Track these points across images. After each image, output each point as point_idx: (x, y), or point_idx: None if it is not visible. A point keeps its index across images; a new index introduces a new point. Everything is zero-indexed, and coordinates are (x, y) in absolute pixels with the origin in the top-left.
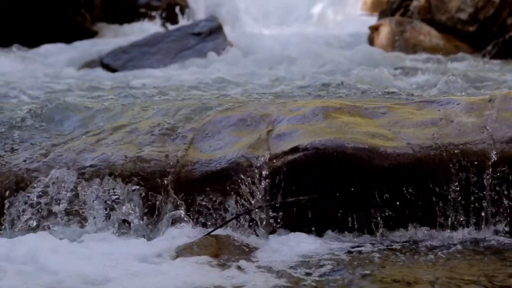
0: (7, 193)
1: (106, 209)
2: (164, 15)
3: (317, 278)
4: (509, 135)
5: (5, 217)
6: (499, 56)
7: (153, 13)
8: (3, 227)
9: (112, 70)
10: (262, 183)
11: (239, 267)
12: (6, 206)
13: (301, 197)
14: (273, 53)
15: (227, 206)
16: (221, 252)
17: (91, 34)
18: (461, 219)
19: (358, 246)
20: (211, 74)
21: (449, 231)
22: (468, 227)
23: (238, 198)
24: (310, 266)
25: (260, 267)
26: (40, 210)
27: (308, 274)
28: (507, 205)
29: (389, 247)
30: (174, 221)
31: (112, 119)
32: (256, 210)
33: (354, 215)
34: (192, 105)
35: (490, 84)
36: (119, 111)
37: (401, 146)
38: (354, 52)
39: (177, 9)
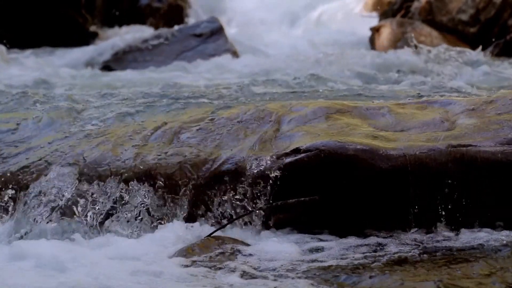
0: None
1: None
2: (165, 16)
3: (318, 279)
4: (510, 137)
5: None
6: (501, 57)
7: (154, 15)
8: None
9: (114, 71)
10: (263, 184)
11: (239, 268)
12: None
13: (302, 198)
14: (274, 54)
15: (228, 207)
16: (222, 253)
17: (92, 35)
18: (462, 220)
19: (359, 247)
20: (212, 75)
21: (453, 231)
22: (469, 228)
23: (239, 199)
24: (311, 267)
25: (261, 268)
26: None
27: (308, 275)
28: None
29: (390, 248)
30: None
31: (114, 121)
32: (257, 211)
33: (355, 217)
34: (193, 105)
35: (491, 85)
36: (121, 113)
37: (402, 147)
38: (356, 53)
39: (178, 10)
